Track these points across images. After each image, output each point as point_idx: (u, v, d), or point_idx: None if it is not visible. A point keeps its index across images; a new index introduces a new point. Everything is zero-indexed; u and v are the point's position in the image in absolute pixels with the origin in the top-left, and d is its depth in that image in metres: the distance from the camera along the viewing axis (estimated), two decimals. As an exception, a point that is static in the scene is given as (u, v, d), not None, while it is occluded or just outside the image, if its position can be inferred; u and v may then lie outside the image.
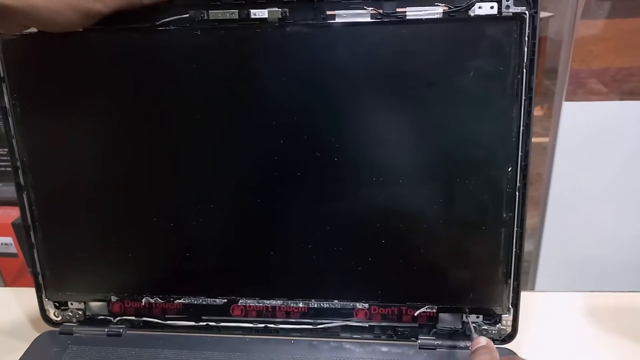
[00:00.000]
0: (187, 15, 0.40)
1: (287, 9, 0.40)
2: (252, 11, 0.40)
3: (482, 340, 0.41)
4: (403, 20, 0.39)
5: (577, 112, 0.87)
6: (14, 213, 0.86)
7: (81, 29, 0.41)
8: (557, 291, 0.54)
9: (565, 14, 0.86)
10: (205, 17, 0.40)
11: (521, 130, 0.40)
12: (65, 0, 0.36)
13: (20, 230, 0.79)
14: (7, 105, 0.44)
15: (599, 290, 0.54)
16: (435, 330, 0.46)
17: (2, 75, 0.43)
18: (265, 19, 0.40)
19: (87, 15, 0.37)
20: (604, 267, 0.95)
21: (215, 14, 0.40)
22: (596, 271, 0.95)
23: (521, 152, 0.41)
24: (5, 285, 0.92)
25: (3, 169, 0.85)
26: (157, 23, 0.41)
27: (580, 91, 0.89)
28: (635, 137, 0.85)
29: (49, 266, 0.48)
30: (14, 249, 0.87)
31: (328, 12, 0.40)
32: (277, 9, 0.40)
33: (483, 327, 0.45)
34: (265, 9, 0.40)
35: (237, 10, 0.40)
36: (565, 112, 0.87)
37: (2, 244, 0.86)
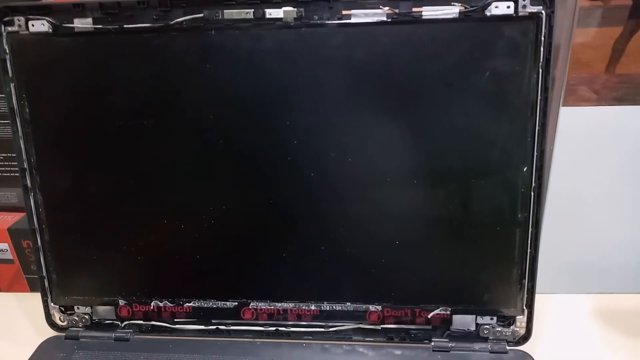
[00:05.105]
0: (202, 15, 0.40)
1: (303, 9, 0.40)
2: (268, 11, 0.40)
3: None
4: (419, 20, 0.39)
5: (575, 117, 0.88)
6: (9, 218, 0.84)
7: (93, 29, 0.40)
8: (565, 293, 0.54)
9: (562, 20, 0.87)
10: (220, 17, 0.40)
11: (537, 130, 0.40)
12: None
13: (16, 235, 0.77)
14: (15, 106, 0.43)
15: (608, 292, 0.54)
16: (449, 332, 0.46)
17: (10, 75, 0.43)
18: (281, 18, 0.40)
19: None
20: (601, 270, 0.95)
21: (230, 13, 0.40)
22: (594, 274, 0.95)
23: (537, 152, 0.41)
24: (1, 291, 0.90)
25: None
26: (171, 23, 0.40)
27: (571, 98, 0.90)
28: (633, 141, 0.86)
29: (55, 270, 0.47)
30: (9, 255, 0.86)
31: (344, 12, 0.40)
32: (292, 8, 0.40)
33: (497, 329, 0.45)
34: (280, 8, 0.40)
35: (252, 10, 0.40)
36: (563, 117, 0.87)
37: (-3, 250, 0.85)
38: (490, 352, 0.45)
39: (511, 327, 0.45)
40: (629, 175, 0.88)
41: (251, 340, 0.47)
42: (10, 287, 0.89)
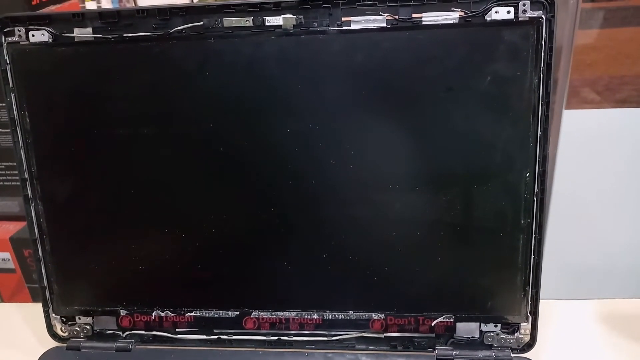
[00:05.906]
0: (201, 23, 0.40)
1: (302, 16, 0.40)
2: (267, 18, 0.40)
3: None
4: (419, 26, 0.39)
5: (578, 119, 0.88)
6: (11, 228, 0.84)
7: (93, 39, 0.41)
8: (569, 299, 0.54)
9: (564, 23, 0.87)
10: (219, 25, 0.40)
11: (539, 135, 0.40)
12: None
13: (18, 245, 0.77)
14: (16, 116, 0.43)
15: (612, 297, 0.53)
16: (452, 340, 0.45)
17: (11, 85, 0.43)
18: (280, 25, 0.40)
19: None
20: (605, 275, 0.95)
21: (230, 21, 0.40)
22: (597, 279, 0.95)
23: (539, 157, 0.40)
24: (3, 301, 0.90)
25: (1, 183, 0.84)
26: (170, 31, 0.40)
27: (574, 100, 0.89)
28: (637, 143, 0.86)
29: (57, 280, 0.47)
30: (11, 264, 0.86)
31: (343, 19, 0.39)
32: (292, 15, 0.39)
33: (501, 337, 0.44)
34: (280, 15, 0.40)
35: (251, 18, 0.40)
36: (566, 120, 0.87)
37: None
38: (495, 360, 0.44)
39: (515, 334, 0.44)
40: (634, 178, 0.88)
41: (253, 349, 0.47)
42: (12, 297, 0.89)
